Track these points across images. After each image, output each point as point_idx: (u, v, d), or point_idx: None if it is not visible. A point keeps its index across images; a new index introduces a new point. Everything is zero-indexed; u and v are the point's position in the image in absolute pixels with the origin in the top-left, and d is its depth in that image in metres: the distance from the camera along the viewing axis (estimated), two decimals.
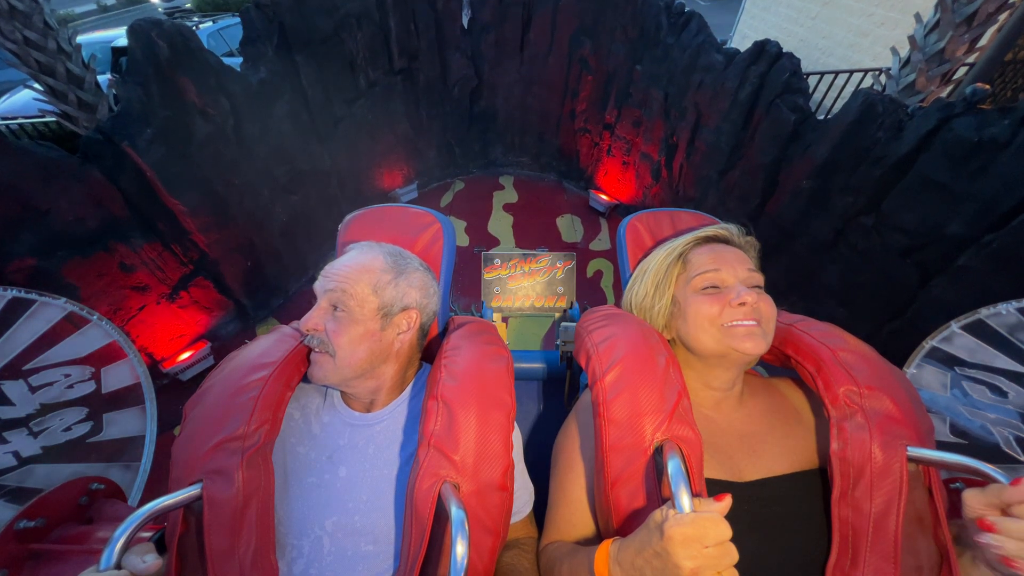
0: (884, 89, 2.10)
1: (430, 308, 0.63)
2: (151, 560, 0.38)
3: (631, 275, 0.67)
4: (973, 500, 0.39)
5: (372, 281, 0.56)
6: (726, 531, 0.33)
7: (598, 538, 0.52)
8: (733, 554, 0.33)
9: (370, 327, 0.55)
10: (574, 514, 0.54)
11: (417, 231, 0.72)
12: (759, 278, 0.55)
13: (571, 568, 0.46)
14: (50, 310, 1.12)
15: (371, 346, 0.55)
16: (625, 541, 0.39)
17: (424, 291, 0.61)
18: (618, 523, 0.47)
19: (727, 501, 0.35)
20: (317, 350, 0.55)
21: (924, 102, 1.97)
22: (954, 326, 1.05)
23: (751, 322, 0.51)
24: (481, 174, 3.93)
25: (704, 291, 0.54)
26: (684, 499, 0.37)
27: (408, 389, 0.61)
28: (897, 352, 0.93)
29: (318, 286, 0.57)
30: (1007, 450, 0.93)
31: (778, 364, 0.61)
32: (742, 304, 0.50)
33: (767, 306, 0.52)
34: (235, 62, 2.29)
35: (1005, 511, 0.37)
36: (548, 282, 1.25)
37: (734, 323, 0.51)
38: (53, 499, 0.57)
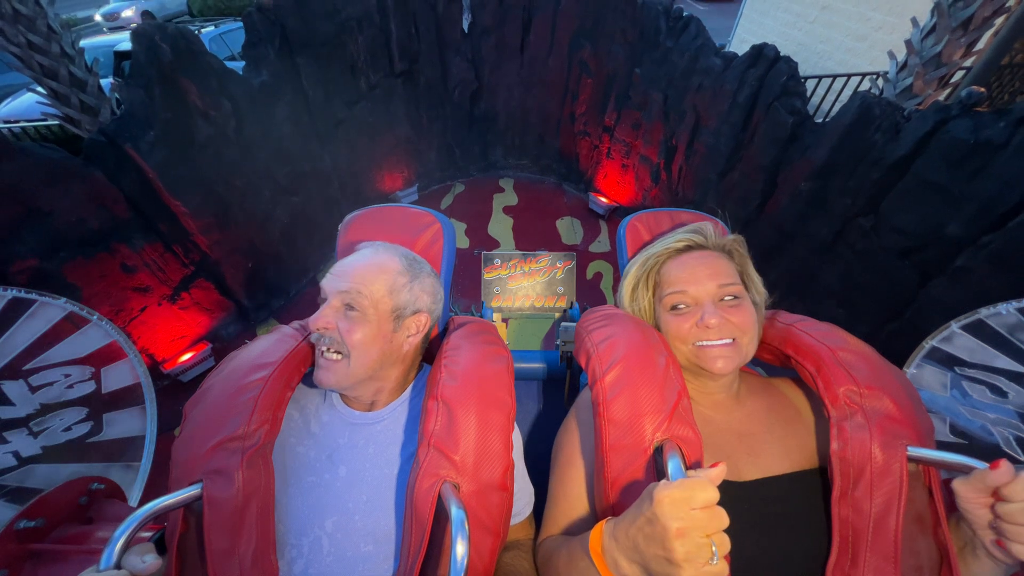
0: (881, 92, 2.11)
1: (437, 313, 0.63)
2: (151, 560, 0.38)
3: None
4: (963, 489, 0.40)
5: (389, 282, 0.56)
6: (714, 495, 0.33)
7: None
8: (722, 518, 0.33)
9: (383, 329, 0.55)
10: (573, 510, 0.54)
11: (417, 231, 0.72)
12: (734, 288, 0.54)
13: (568, 553, 0.46)
14: (50, 310, 1.12)
15: (382, 348, 0.55)
16: (620, 517, 0.39)
17: (434, 296, 0.61)
18: None
19: (720, 468, 0.35)
20: (327, 350, 0.54)
21: (921, 105, 1.98)
22: (954, 326, 1.05)
23: (724, 341, 0.51)
24: (481, 176, 3.95)
25: (674, 310, 0.55)
26: (676, 468, 0.38)
27: (408, 389, 0.61)
28: (897, 352, 0.93)
29: (328, 284, 0.56)
30: (1007, 450, 0.92)
31: (778, 364, 0.61)
32: (707, 327, 0.51)
33: (742, 317, 0.52)
34: (237, 66, 2.30)
35: (995, 495, 0.38)
36: (548, 282, 1.25)
37: (705, 343, 0.52)
38: (53, 499, 0.57)
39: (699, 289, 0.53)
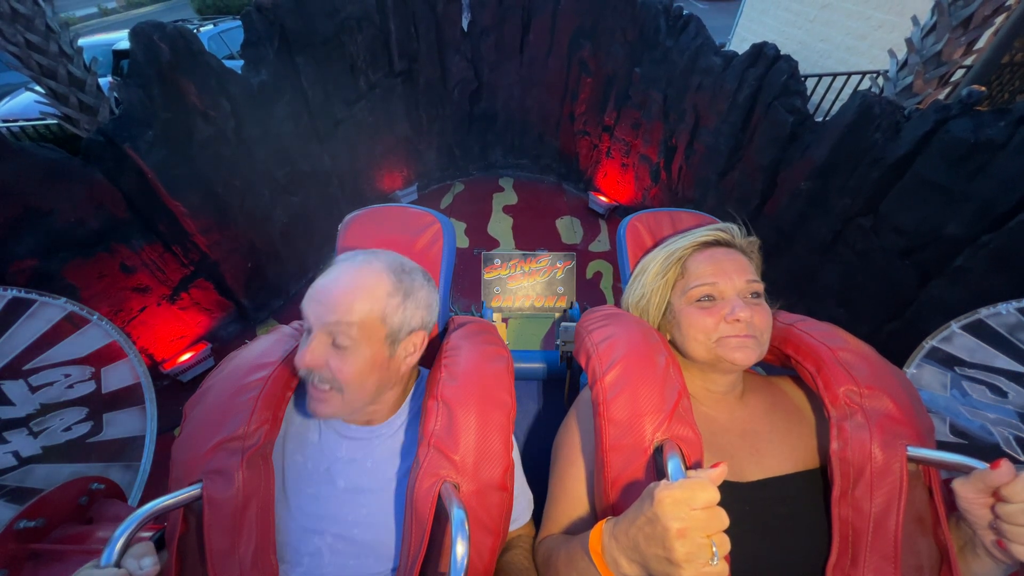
0: (882, 91, 2.11)
1: (433, 322, 0.59)
2: (149, 565, 0.38)
3: (631, 275, 0.67)
4: (963, 489, 0.40)
5: (379, 310, 0.50)
6: (714, 495, 0.33)
7: None
8: (722, 518, 0.33)
9: (378, 357, 0.50)
10: (573, 510, 0.54)
11: (417, 231, 0.72)
12: (758, 286, 0.54)
13: (568, 553, 0.46)
14: (50, 310, 1.12)
15: (380, 375, 0.52)
16: (620, 517, 0.39)
17: (430, 308, 0.57)
18: None
19: (721, 469, 0.35)
20: (320, 387, 0.50)
21: (921, 104, 1.97)
22: (954, 326, 1.06)
23: (745, 336, 0.51)
24: (481, 176, 3.94)
25: (699, 303, 0.54)
26: (676, 468, 0.38)
27: (407, 401, 0.60)
28: (897, 352, 0.93)
29: (311, 313, 0.49)
30: (1007, 450, 0.93)
31: (778, 364, 0.61)
32: (736, 320, 0.50)
33: (761, 318, 0.52)
34: (236, 65, 2.30)
35: (995, 495, 0.38)
36: (548, 282, 1.24)
37: (728, 336, 0.51)
38: (53, 499, 0.57)
39: (728, 283, 0.53)
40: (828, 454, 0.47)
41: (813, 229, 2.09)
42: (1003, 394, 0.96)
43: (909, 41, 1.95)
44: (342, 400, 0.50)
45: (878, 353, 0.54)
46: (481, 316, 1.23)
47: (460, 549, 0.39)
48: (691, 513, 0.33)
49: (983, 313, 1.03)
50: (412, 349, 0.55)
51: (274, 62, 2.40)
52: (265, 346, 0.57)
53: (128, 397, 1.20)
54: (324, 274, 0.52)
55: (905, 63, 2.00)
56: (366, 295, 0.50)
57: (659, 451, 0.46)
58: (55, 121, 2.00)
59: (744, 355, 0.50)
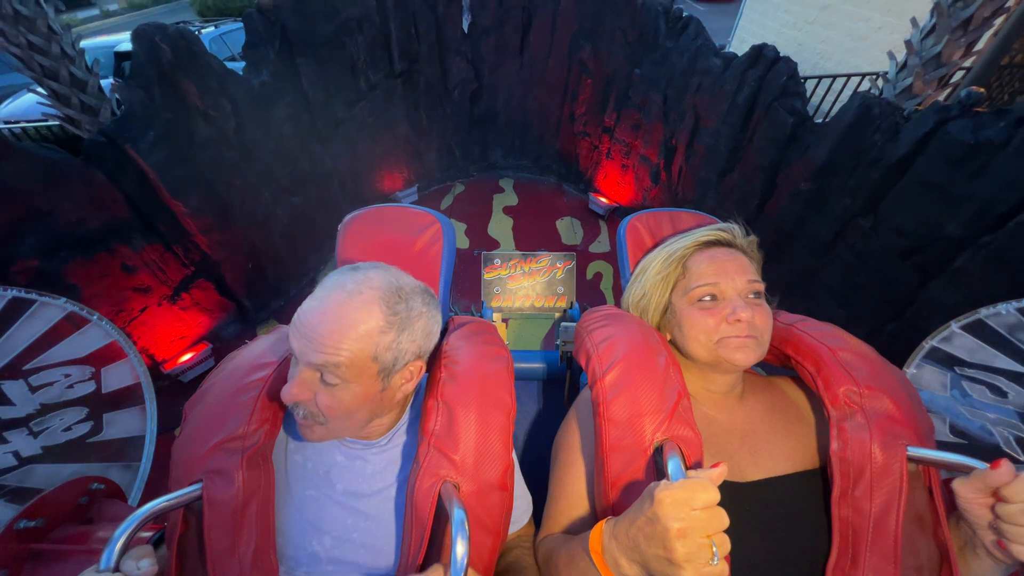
0: (881, 93, 2.11)
1: (433, 344, 0.55)
2: (146, 566, 0.38)
3: (631, 275, 0.67)
4: (963, 489, 0.40)
5: (371, 350, 0.46)
6: (714, 495, 0.33)
7: None
8: (722, 519, 0.33)
9: (370, 392, 0.48)
10: (573, 509, 0.54)
11: (417, 231, 0.72)
12: (759, 286, 0.54)
13: (568, 552, 0.46)
14: (50, 310, 1.12)
15: (371, 408, 0.49)
16: (620, 516, 0.39)
17: (429, 336, 0.52)
18: None
19: (721, 469, 0.35)
20: (305, 418, 0.47)
21: (921, 105, 1.98)
22: (954, 326, 1.06)
23: (747, 336, 0.51)
24: (481, 177, 3.95)
25: (700, 303, 0.54)
26: (676, 468, 0.38)
27: (406, 413, 0.59)
28: (897, 352, 0.93)
29: (296, 347, 0.45)
30: (1007, 450, 0.92)
31: (778, 364, 0.61)
32: (738, 321, 0.50)
33: (762, 318, 0.52)
34: (237, 67, 2.31)
35: (995, 495, 0.38)
36: (548, 282, 1.25)
37: (729, 336, 0.51)
38: (53, 499, 0.57)
39: (729, 284, 0.52)
40: (828, 454, 0.47)
41: (813, 230, 2.10)
42: (1003, 394, 0.96)
43: (908, 43, 1.95)
44: (327, 430, 0.48)
45: (878, 353, 0.54)
46: (481, 316, 1.23)
47: (460, 549, 0.39)
48: (691, 513, 0.33)
49: (983, 313, 1.03)
50: (408, 377, 0.52)
51: (275, 63, 2.41)
52: (265, 346, 0.58)
53: (128, 397, 1.20)
54: (312, 296, 0.47)
55: (905, 65, 2.01)
56: (354, 334, 0.44)
57: (659, 451, 0.46)
58: (57, 122, 2.01)
59: (745, 355, 0.50)
